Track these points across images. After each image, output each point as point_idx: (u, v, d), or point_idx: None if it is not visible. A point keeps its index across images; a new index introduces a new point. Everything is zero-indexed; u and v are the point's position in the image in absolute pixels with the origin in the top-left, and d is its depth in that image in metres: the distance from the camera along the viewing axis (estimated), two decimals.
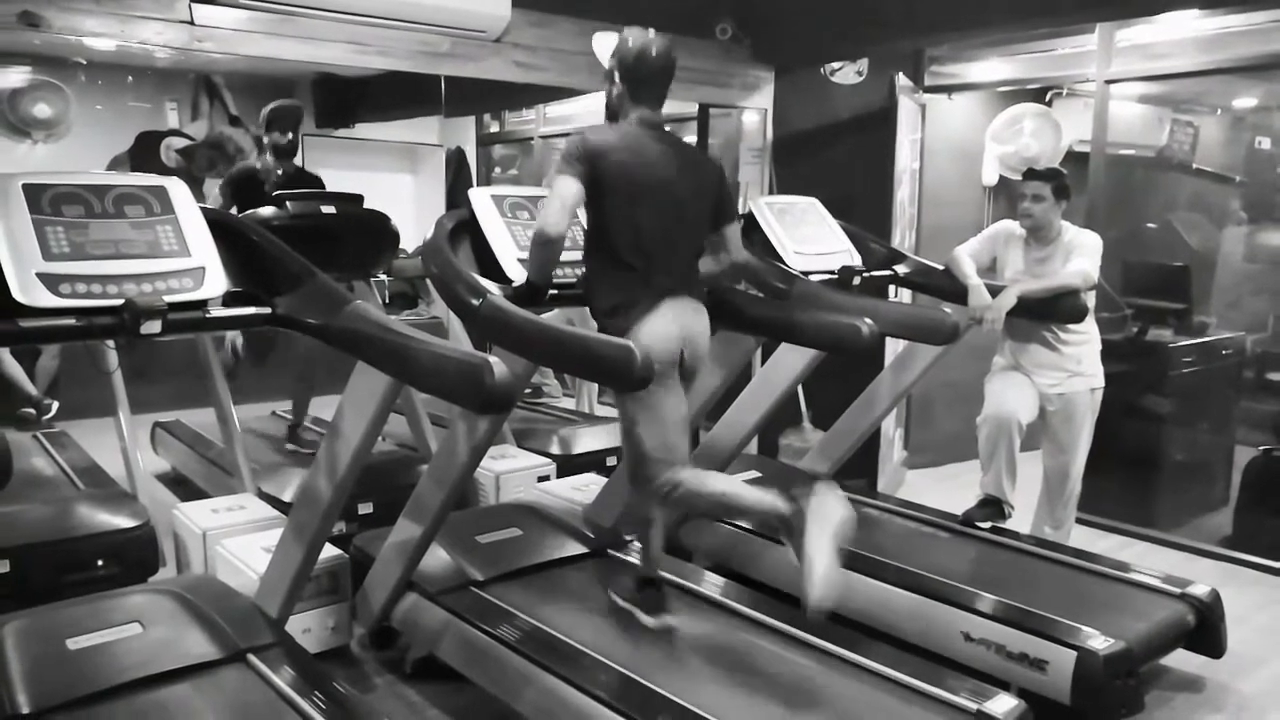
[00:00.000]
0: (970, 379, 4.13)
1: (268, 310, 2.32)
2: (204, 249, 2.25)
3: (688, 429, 2.74)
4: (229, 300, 2.27)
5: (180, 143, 6.67)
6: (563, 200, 2.54)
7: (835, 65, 5.04)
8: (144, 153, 6.46)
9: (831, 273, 3.56)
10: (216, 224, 2.35)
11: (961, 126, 5.73)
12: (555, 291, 2.77)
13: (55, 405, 5.67)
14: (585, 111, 6.34)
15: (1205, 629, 3.09)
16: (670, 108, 2.82)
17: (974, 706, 2.38)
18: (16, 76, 6.29)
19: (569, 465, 4.45)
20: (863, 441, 4.21)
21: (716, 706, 2.37)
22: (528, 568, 3.19)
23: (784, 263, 3.45)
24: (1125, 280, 5.13)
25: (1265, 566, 4.22)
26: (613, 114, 2.77)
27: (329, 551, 3.03)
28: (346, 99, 6.51)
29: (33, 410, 5.62)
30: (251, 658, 2.40)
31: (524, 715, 2.61)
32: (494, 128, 7.92)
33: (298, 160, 4.46)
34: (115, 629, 2.44)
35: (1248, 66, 4.61)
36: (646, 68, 2.68)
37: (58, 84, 6.35)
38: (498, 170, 8.07)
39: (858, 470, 4.59)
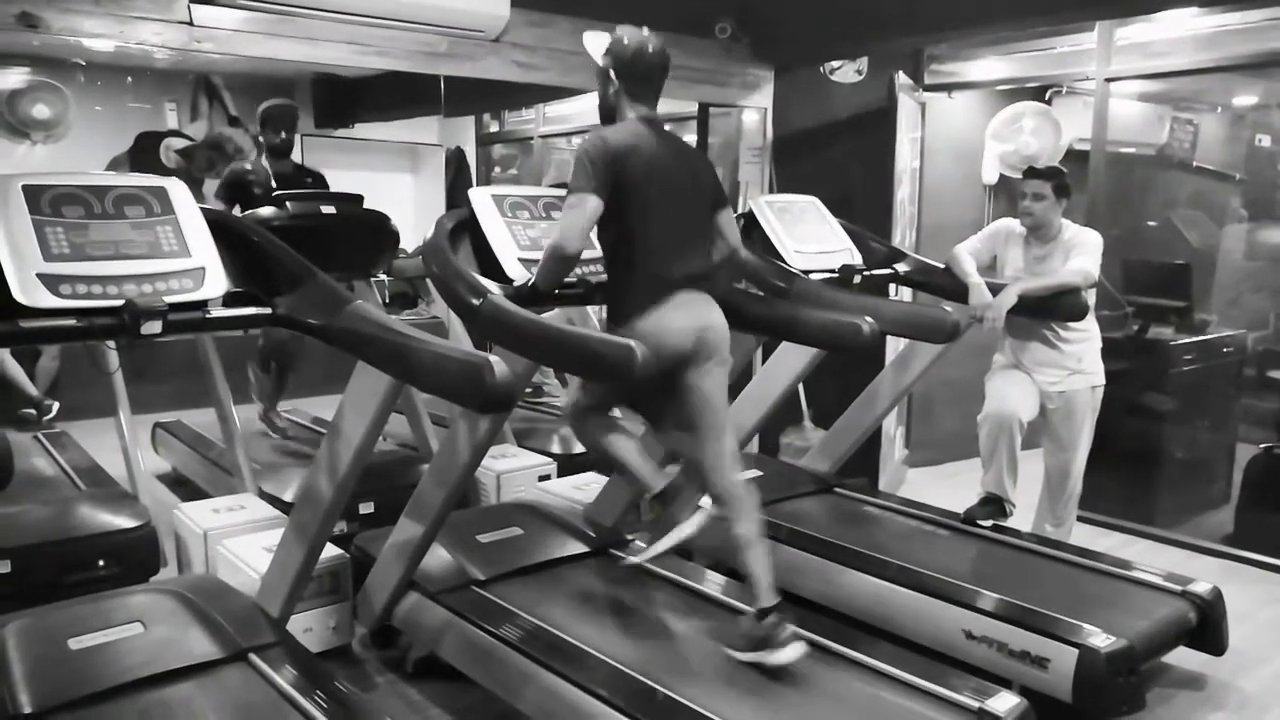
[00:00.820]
0: (971, 377, 4.13)
1: (268, 310, 2.32)
2: (204, 249, 2.25)
3: (726, 414, 2.82)
4: (229, 300, 2.26)
5: (180, 143, 6.66)
6: (587, 218, 2.52)
7: (835, 64, 5.04)
8: (143, 153, 6.45)
9: (832, 271, 3.56)
10: (217, 224, 2.34)
11: (961, 125, 5.73)
12: (556, 291, 2.76)
13: (56, 406, 5.67)
14: (584, 111, 6.35)
15: (1207, 626, 3.09)
16: (670, 107, 2.81)
17: (976, 704, 2.38)
18: (15, 77, 6.29)
19: (570, 464, 4.45)
20: (864, 440, 4.22)
21: (718, 705, 2.37)
22: (529, 567, 3.20)
23: (784, 261, 3.45)
24: (1126, 278, 5.13)
25: (1267, 564, 4.22)
26: (609, 113, 2.75)
27: (330, 551, 3.04)
28: (346, 99, 6.52)
29: (33, 411, 5.62)
30: (253, 657, 2.40)
31: (526, 714, 2.61)
32: (493, 127, 7.91)
33: (295, 159, 4.47)
34: (117, 629, 2.44)
35: (1247, 64, 4.62)
36: (645, 65, 2.68)
37: (57, 85, 6.35)
38: (497, 170, 8.07)
39: (859, 469, 4.59)
